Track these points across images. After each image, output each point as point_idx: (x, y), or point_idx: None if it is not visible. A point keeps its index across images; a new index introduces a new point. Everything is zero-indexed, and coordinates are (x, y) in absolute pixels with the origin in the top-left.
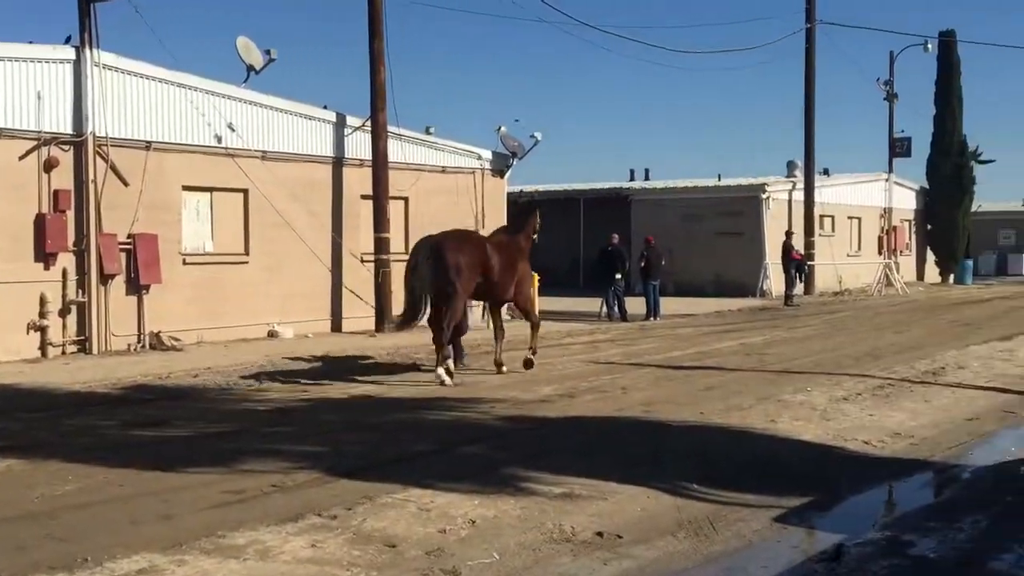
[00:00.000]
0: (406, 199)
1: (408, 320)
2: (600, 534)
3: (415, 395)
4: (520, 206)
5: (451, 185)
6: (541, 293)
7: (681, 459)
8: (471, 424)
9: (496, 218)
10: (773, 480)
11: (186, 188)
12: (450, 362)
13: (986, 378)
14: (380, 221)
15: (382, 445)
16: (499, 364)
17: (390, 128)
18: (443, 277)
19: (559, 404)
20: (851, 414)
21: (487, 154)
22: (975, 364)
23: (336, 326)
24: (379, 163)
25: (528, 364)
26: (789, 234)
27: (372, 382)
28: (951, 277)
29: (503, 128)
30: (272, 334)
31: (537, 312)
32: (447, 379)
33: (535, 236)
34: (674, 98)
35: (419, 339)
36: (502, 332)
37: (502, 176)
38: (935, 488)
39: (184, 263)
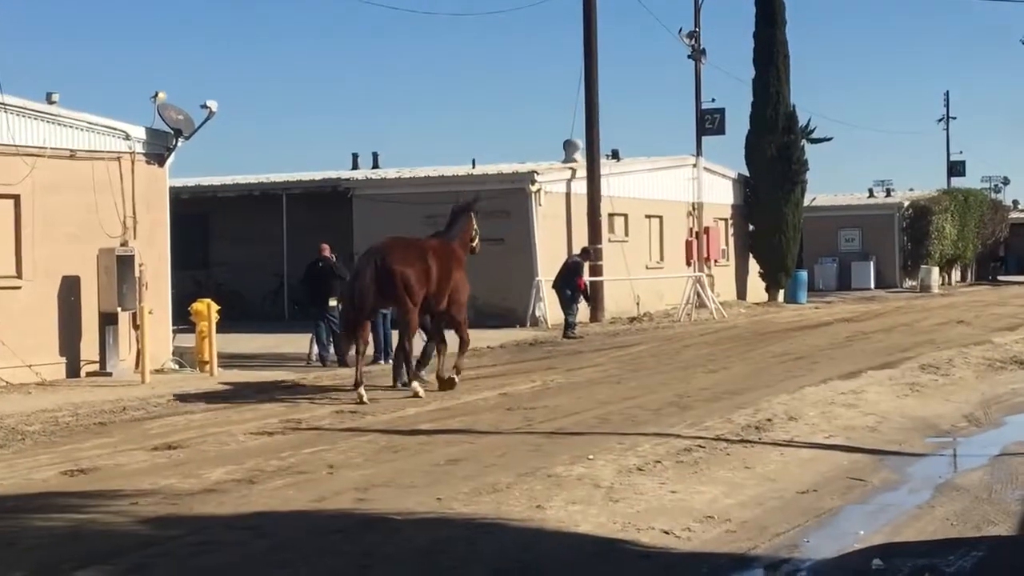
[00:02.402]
0: (16, 197)
1: (351, 338)
2: None
3: (21, 489)
4: (456, 206)
5: (85, 176)
6: (228, 329)
7: (406, 571)
8: (96, 532)
9: (157, 221)
10: None
11: None
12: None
13: (826, 432)
14: None
15: None
16: (441, 378)
17: None
18: (391, 292)
19: (233, 495)
20: (647, 491)
21: (138, 131)
22: (811, 413)
23: None
24: None
25: (450, 383)
26: (585, 252)
27: None
28: (780, 294)
29: (161, 95)
30: None
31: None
32: (421, 391)
33: (474, 243)
34: (391, 60)
35: (61, 400)
36: (444, 346)
37: (162, 163)
38: None
39: None
